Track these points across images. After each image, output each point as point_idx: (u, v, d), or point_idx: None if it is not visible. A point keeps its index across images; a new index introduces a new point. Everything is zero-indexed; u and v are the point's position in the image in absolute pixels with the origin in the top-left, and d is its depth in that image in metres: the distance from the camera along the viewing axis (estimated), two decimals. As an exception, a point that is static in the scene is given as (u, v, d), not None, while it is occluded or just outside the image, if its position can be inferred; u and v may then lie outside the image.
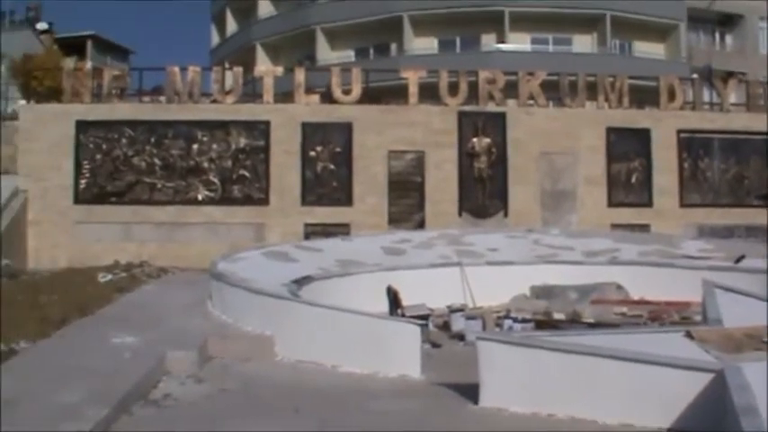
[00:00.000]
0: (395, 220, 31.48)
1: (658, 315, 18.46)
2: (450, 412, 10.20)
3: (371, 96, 33.68)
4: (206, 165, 31.39)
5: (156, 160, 31.27)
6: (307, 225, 31.13)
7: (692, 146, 34.30)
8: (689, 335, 11.07)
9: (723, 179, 34.75)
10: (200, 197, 31.24)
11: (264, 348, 14.07)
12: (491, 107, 32.66)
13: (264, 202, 31.38)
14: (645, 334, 12.30)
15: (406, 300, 18.12)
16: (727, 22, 55.02)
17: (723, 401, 8.54)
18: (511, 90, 33.58)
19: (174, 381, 11.86)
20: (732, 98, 37.07)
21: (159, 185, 31.18)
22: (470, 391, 10.62)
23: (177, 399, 10.89)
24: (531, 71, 33.71)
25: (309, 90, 33.00)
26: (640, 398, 9.37)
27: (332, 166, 31.76)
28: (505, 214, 32.27)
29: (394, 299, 17.87)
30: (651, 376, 9.41)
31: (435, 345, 15.72)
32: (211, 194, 31.30)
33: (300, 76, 32.76)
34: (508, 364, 10.31)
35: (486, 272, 21.91)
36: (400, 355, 12.88)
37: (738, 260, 22.22)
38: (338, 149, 31.77)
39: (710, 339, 10.60)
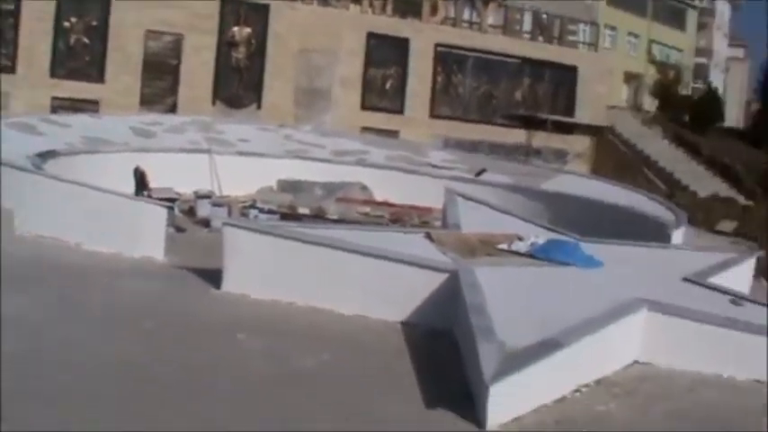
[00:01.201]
0: (147, 102, 30.70)
1: (400, 217, 19.08)
2: (194, 295, 10.17)
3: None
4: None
5: None
6: (54, 98, 29.68)
7: (447, 60, 35.37)
8: (428, 236, 11.55)
9: (473, 96, 36.20)
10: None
11: (2, 222, 13.41)
12: (256, -3, 32.19)
13: (10, 69, 29.58)
14: (387, 233, 12.71)
15: (153, 182, 17.78)
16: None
17: (455, 300, 9.02)
18: (277, -18, 33.16)
19: None
20: (491, 20, 38.28)
21: None
22: (213, 276, 10.60)
23: None
24: (299, -34, 33.44)
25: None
26: (378, 292, 9.68)
27: (86, 40, 30.44)
28: (259, 107, 32.20)
29: (141, 180, 17.49)
30: (390, 272, 9.75)
31: (180, 229, 15.56)
32: (-48, 58, 29.19)
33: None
34: (253, 251, 10.35)
35: (236, 162, 21.75)
36: (145, 237, 12.63)
37: (479, 173, 23.17)
38: (94, 23, 30.45)
39: (448, 242, 11.10)
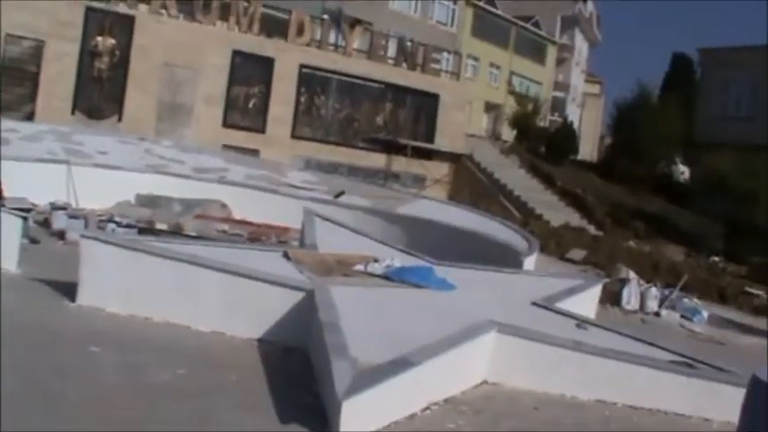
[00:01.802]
0: (3, 108, 29.66)
1: (258, 236, 19.10)
2: (47, 307, 9.97)
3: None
4: None
5: None
6: None
7: (311, 82, 35.57)
8: (286, 255, 11.66)
9: (335, 118, 36.45)
10: None
11: None
12: (122, 8, 31.72)
13: None
14: (245, 250, 12.71)
15: (6, 192, 17.33)
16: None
17: (311, 318, 9.15)
18: (145, -6, 32.76)
19: None
20: (356, 44, 38.69)
21: None
22: (68, 289, 10.44)
23: None
24: (166, -21, 33.14)
25: None
26: (235, 309, 9.74)
27: (-63, 42, 29.36)
28: (120, 119, 31.66)
29: (-6, 189, 17.04)
30: (247, 289, 9.81)
31: (34, 241, 15.18)
32: None
33: None
34: (110, 264, 10.24)
35: (93, 174, 21.35)
36: (-4, 247, 12.32)
37: (338, 195, 23.41)
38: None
39: (305, 261, 11.23)
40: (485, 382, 8.88)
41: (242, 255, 11.36)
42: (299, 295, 9.66)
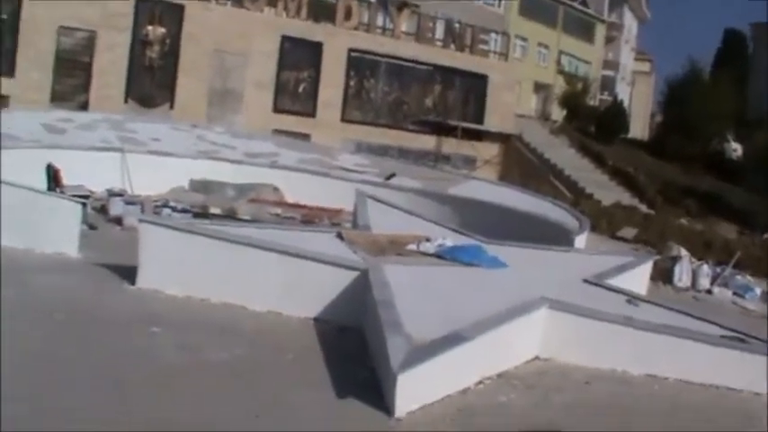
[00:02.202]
0: (58, 99, 30.35)
1: (311, 218, 19.31)
2: (108, 290, 10.26)
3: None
4: None
5: None
6: (-40, 93, 29.20)
7: (360, 65, 35.73)
8: (339, 236, 11.86)
9: (385, 101, 36.61)
10: None
11: None
12: (171, -3, 32.16)
13: None
14: (299, 232, 12.93)
15: (65, 180, 17.69)
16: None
17: (365, 297, 9.34)
18: (192, -17, 33.13)
19: None
20: (404, 27, 38.76)
21: None
22: (128, 273, 10.72)
23: None
24: (215, -32, 33.52)
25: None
26: (291, 289, 9.96)
27: (-4, 35, 29.96)
28: (171, 106, 32.10)
29: (54, 177, 17.39)
30: (303, 270, 10.03)
31: (92, 227, 15.52)
32: None
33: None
34: (168, 248, 10.50)
35: (147, 161, 21.70)
36: (58, 233, 12.61)
37: (389, 177, 23.56)
38: (4, 16, 29.93)
39: (358, 242, 11.41)
40: (537, 357, 9.02)
41: (296, 236, 11.58)
42: (354, 275, 9.86)
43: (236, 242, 10.37)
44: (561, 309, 9.27)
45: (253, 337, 8.89)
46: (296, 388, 7.37)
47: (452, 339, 7.55)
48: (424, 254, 11.43)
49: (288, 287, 10.01)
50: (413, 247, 11.62)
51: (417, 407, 6.93)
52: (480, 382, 7.88)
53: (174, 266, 10.42)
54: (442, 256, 11.35)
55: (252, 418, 6.58)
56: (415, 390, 6.88)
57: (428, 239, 11.94)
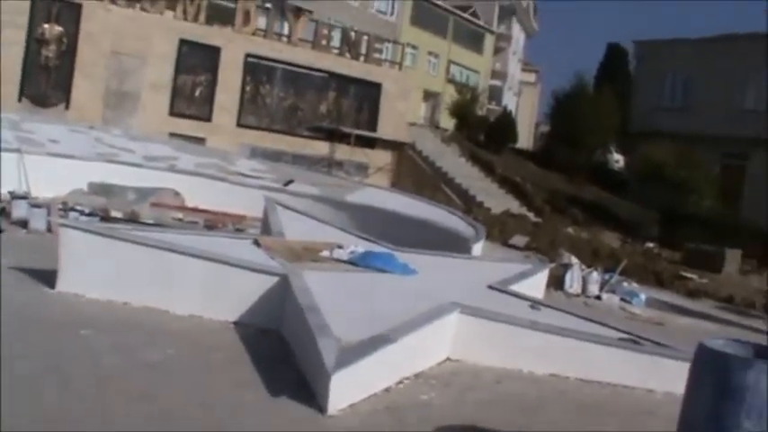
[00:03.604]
0: (-53, 96, 29.73)
1: (214, 223, 19.49)
2: (29, 294, 10.37)
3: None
4: None
5: None
6: None
7: (257, 71, 35.99)
8: (256, 242, 12.23)
9: (280, 107, 36.94)
10: None
11: None
12: (69, -4, 31.86)
13: None
14: (216, 237, 13.22)
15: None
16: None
17: (284, 302, 9.77)
18: (90, -17, 32.84)
19: None
20: (300, 34, 39.10)
21: None
22: (43, 276, 10.85)
23: None
24: (113, -31, 33.32)
25: None
26: (212, 293, 10.28)
27: None
28: (67, 106, 31.75)
29: (-48, 178, 17.23)
30: (223, 275, 10.37)
31: (-3, 229, 15.48)
32: None
33: None
34: (88, 252, 10.67)
35: (46, 162, 21.58)
36: (-35, 235, 12.68)
37: (287, 183, 23.93)
38: None
39: (275, 248, 11.81)
40: (448, 359, 9.56)
41: (214, 242, 11.89)
42: (273, 280, 10.24)
43: (157, 247, 10.63)
44: (471, 313, 9.83)
45: (180, 338, 9.19)
46: (232, 386, 7.74)
47: (378, 341, 8.03)
48: (338, 260, 11.89)
49: (208, 291, 10.33)
50: (326, 253, 12.07)
51: (347, 405, 7.38)
52: (401, 382, 8.38)
53: (95, 270, 10.59)
54: (355, 262, 11.83)
55: (199, 415, 6.94)
56: (346, 389, 7.33)
57: (340, 246, 12.40)
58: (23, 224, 16.52)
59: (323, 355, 7.45)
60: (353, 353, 7.62)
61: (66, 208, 18.17)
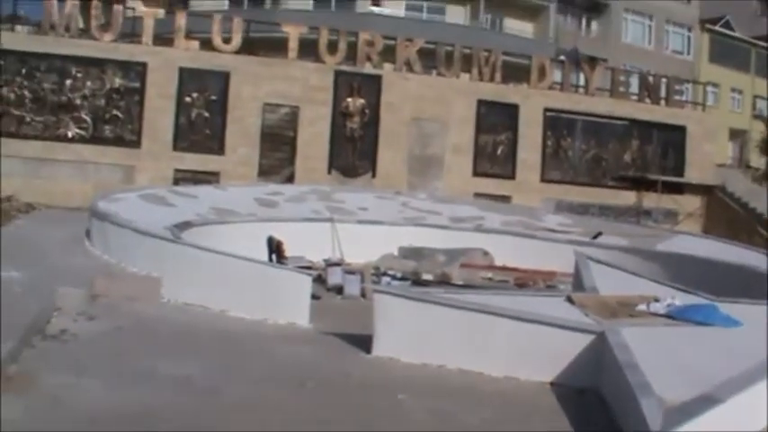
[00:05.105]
0: (265, 173, 31.83)
1: (524, 281, 19.44)
2: (347, 359, 10.72)
3: (249, 47, 33.62)
4: (78, 102, 30.86)
5: (27, 93, 30.45)
6: (177, 171, 31.12)
7: (556, 125, 35.84)
8: (569, 300, 11.97)
9: (583, 159, 36.52)
10: (70, 134, 30.70)
11: (151, 289, 14.02)
12: (368, 69, 33.31)
13: (136, 144, 31.14)
14: (528, 297, 13.14)
15: (287, 251, 18.52)
16: (594, 8, 56.57)
17: (602, 360, 9.44)
18: (387, 54, 34.22)
19: (66, 317, 11.62)
20: (597, 83, 38.63)
21: (28, 119, 30.40)
22: (359, 341, 11.17)
23: (75, 334, 10.73)
24: (410, 37, 34.58)
25: (188, 35, 32.66)
26: (526, 354, 10.14)
27: (206, 114, 31.79)
28: (373, 175, 33.01)
29: (277, 249, 18.25)
30: (538, 335, 10.20)
31: (315, 297, 16.10)
32: (82, 132, 30.79)
33: (181, 20, 32.44)
34: (403, 316, 10.88)
35: (356, 229, 22.49)
36: (289, 304, 13.26)
37: (596, 236, 23.51)
38: (214, 97, 31.81)
39: (589, 305, 11.50)
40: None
41: (526, 301, 11.76)
42: (589, 338, 9.95)
43: (470, 309, 10.64)
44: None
45: (496, 401, 9.11)
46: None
47: (706, 400, 7.53)
48: (655, 314, 11.39)
49: (523, 352, 10.19)
50: (642, 307, 11.60)
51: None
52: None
53: (409, 334, 10.78)
54: (674, 316, 11.28)
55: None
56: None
57: (657, 299, 11.89)
58: (339, 290, 17.20)
59: (646, 416, 7.08)
60: (680, 413, 7.18)
61: (378, 273, 18.75)
